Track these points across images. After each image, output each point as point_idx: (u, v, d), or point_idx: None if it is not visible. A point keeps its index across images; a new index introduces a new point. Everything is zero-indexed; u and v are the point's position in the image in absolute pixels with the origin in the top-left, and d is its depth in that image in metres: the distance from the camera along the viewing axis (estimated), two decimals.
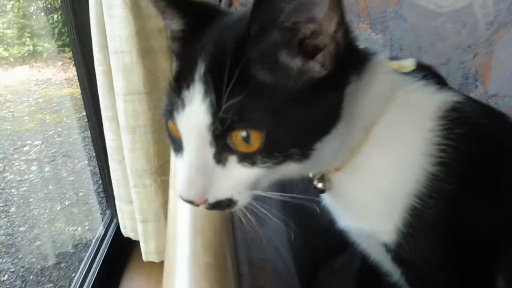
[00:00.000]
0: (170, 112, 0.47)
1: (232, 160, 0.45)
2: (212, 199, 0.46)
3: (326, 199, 0.65)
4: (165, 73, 1.29)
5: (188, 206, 0.45)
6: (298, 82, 0.45)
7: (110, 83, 1.24)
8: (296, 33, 0.44)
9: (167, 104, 0.48)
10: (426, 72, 0.57)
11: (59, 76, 2.45)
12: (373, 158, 0.54)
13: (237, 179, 0.46)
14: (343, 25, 0.44)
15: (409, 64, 0.56)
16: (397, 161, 0.54)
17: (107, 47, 1.20)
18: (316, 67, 0.45)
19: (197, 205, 0.46)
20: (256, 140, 0.43)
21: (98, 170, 1.59)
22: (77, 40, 1.35)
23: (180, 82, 0.46)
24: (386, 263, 0.65)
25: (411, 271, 0.60)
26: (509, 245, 0.59)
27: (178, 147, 0.49)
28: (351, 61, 0.49)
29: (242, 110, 0.43)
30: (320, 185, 0.59)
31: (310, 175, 0.61)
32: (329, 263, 0.81)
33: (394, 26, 0.81)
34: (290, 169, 0.47)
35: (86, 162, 2.03)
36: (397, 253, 0.57)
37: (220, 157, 0.45)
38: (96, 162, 1.56)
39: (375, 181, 0.55)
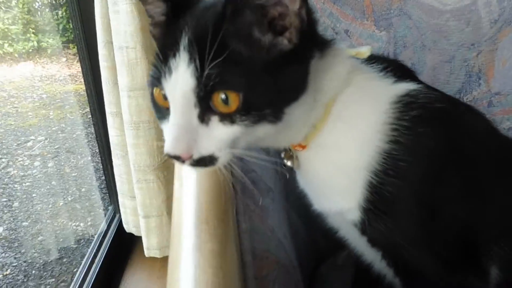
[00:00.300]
0: (158, 79, 0.52)
1: (214, 119, 0.51)
2: (196, 155, 0.50)
3: (300, 181, 0.69)
4: None
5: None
6: (270, 54, 0.51)
7: (115, 79, 1.25)
8: (266, 14, 0.51)
9: (154, 72, 0.53)
10: (387, 64, 0.62)
11: (63, 72, 2.45)
12: (332, 134, 0.59)
13: (218, 137, 0.51)
14: (305, 3, 0.50)
15: (365, 50, 0.62)
16: (353, 137, 0.58)
17: (112, 43, 1.21)
18: (285, 41, 0.52)
19: (183, 161, 0.51)
20: (234, 101, 0.49)
21: (101, 166, 1.60)
22: (82, 35, 1.35)
23: (166, 53, 0.52)
24: (365, 250, 0.66)
25: (387, 253, 0.63)
26: (500, 234, 0.60)
27: (162, 114, 0.54)
28: (314, 37, 0.56)
29: (221, 74, 0.48)
30: (289, 163, 0.64)
31: (282, 155, 0.65)
32: (331, 258, 0.82)
33: (398, 24, 0.81)
34: (265, 131, 0.52)
35: (89, 158, 2.04)
36: (366, 232, 0.59)
37: (203, 117, 0.51)
38: (100, 157, 1.57)
39: (335, 156, 0.60)
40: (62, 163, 2.03)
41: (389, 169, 0.56)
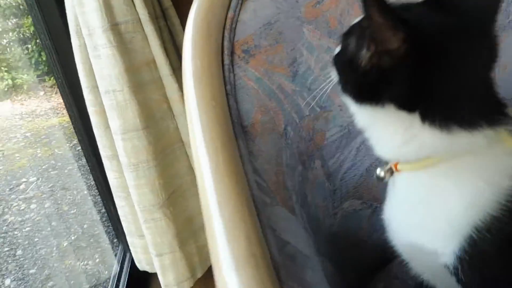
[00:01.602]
0: None
1: None
2: None
3: (387, 209, 0.68)
4: (159, 105, 1.26)
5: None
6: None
7: (105, 123, 1.21)
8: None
9: None
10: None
11: (43, 106, 2.39)
12: (437, 183, 0.58)
13: None
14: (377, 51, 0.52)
15: None
16: (466, 194, 0.57)
17: (97, 87, 1.17)
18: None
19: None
20: None
21: (104, 209, 1.57)
22: (65, 81, 1.31)
23: None
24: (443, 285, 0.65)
25: None
26: None
27: None
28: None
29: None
30: (382, 173, 0.65)
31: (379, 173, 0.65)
32: None
33: None
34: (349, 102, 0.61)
35: (86, 192, 2.00)
36: (458, 276, 0.58)
37: None
38: (101, 201, 1.54)
39: (440, 201, 0.58)
40: (59, 202, 1.99)
41: (494, 229, 0.55)
